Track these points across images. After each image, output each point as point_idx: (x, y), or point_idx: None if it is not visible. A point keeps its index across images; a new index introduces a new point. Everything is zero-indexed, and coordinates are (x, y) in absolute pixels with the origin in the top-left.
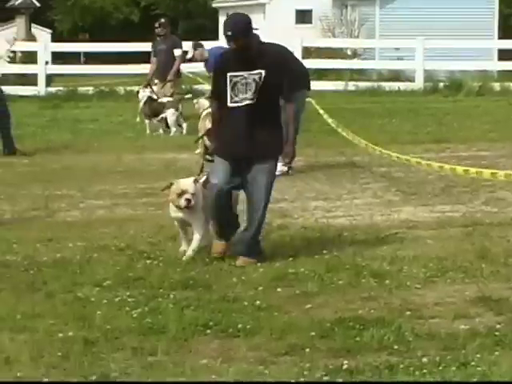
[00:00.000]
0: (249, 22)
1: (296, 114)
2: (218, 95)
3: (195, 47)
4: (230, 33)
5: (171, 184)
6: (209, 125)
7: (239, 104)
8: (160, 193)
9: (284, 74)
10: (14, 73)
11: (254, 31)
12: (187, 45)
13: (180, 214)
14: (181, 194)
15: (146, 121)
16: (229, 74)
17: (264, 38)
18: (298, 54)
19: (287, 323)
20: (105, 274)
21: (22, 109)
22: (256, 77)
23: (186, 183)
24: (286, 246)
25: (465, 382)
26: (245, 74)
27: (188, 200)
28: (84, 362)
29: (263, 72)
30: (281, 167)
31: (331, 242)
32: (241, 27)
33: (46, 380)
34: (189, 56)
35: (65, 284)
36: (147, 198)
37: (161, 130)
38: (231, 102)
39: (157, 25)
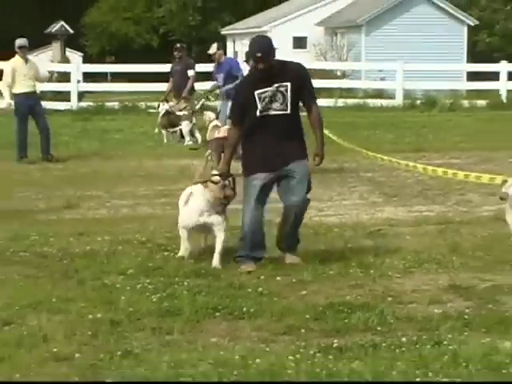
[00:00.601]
0: (272, 43)
1: None
2: (241, 118)
3: (218, 48)
4: (259, 54)
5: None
6: (215, 135)
7: (270, 113)
8: (176, 194)
9: (306, 84)
10: (50, 90)
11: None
12: (199, 66)
13: (203, 219)
14: (223, 186)
15: (164, 131)
16: (256, 93)
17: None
18: None
19: (285, 307)
20: (128, 264)
21: (57, 121)
22: (283, 89)
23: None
24: None
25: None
26: (272, 88)
27: (232, 189)
28: (110, 339)
29: (289, 85)
30: None
31: (323, 237)
32: (267, 49)
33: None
34: (211, 51)
35: (94, 272)
36: (165, 198)
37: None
38: (261, 113)
39: (174, 49)
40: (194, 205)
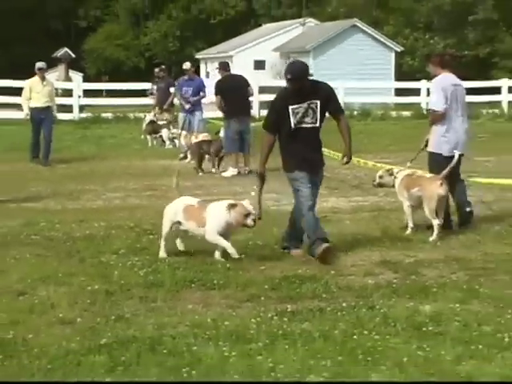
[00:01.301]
0: (304, 68)
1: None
2: (275, 127)
3: (192, 66)
4: (289, 76)
5: (232, 205)
6: (193, 140)
7: (302, 126)
8: (159, 188)
9: (332, 101)
10: (56, 104)
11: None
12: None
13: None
14: (247, 215)
15: (148, 137)
16: (290, 108)
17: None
18: (255, 92)
19: (248, 279)
20: (120, 245)
21: (62, 129)
22: (313, 105)
23: (249, 206)
24: None
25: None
26: (304, 104)
27: (254, 220)
28: (106, 306)
29: (318, 102)
30: (232, 170)
31: (279, 222)
32: (298, 73)
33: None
34: (185, 67)
35: (92, 252)
36: (150, 191)
37: (159, 143)
38: (295, 126)
39: (157, 70)
40: (214, 222)
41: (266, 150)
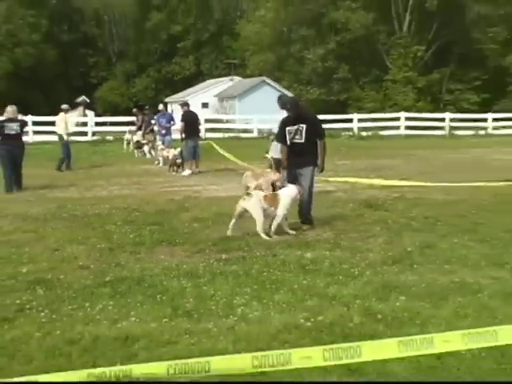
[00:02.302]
0: (297, 100)
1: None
2: (282, 139)
3: (164, 106)
4: (288, 106)
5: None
6: (165, 154)
7: (294, 141)
8: (142, 183)
9: (314, 127)
10: (78, 130)
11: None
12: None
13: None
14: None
15: (135, 151)
16: (287, 128)
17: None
18: (202, 122)
19: (198, 239)
20: (118, 219)
21: (80, 146)
22: (301, 128)
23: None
24: (197, 205)
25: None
26: (295, 127)
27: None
28: (109, 258)
29: (304, 126)
30: (188, 171)
31: (218, 203)
32: (294, 102)
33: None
34: (160, 108)
35: (100, 223)
36: (137, 185)
37: (139, 154)
38: (290, 142)
39: (135, 110)
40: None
41: (283, 152)
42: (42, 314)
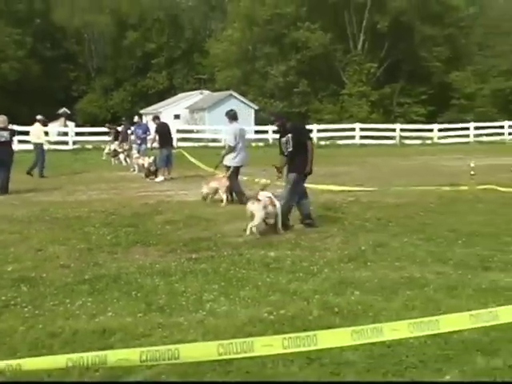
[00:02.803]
0: (282, 114)
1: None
2: (280, 150)
3: (139, 118)
4: (272, 118)
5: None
6: (140, 162)
7: (288, 150)
8: (119, 188)
9: (301, 135)
10: (60, 140)
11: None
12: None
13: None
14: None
15: (112, 159)
16: (281, 140)
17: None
18: (174, 132)
19: (170, 240)
20: (96, 221)
21: (62, 155)
22: (289, 138)
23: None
24: (170, 209)
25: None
26: (284, 138)
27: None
28: (88, 257)
29: (290, 136)
30: (161, 178)
31: (188, 205)
32: (277, 115)
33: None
34: (136, 119)
35: (80, 225)
36: (114, 190)
37: (116, 161)
38: (286, 150)
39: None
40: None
41: (281, 161)
42: (26, 309)
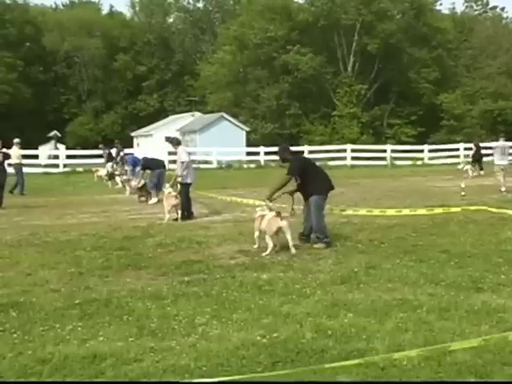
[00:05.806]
0: (287, 148)
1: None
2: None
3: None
4: (280, 156)
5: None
6: (133, 184)
7: (297, 182)
8: (111, 211)
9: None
10: (51, 163)
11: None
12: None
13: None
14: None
15: (108, 182)
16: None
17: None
18: (166, 154)
19: (162, 263)
20: (87, 245)
21: (53, 177)
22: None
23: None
24: (161, 231)
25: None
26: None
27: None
28: (79, 281)
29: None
30: (154, 200)
31: (178, 229)
32: (278, 150)
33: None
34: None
35: (70, 249)
36: (105, 213)
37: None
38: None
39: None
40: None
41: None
42: (15, 335)
